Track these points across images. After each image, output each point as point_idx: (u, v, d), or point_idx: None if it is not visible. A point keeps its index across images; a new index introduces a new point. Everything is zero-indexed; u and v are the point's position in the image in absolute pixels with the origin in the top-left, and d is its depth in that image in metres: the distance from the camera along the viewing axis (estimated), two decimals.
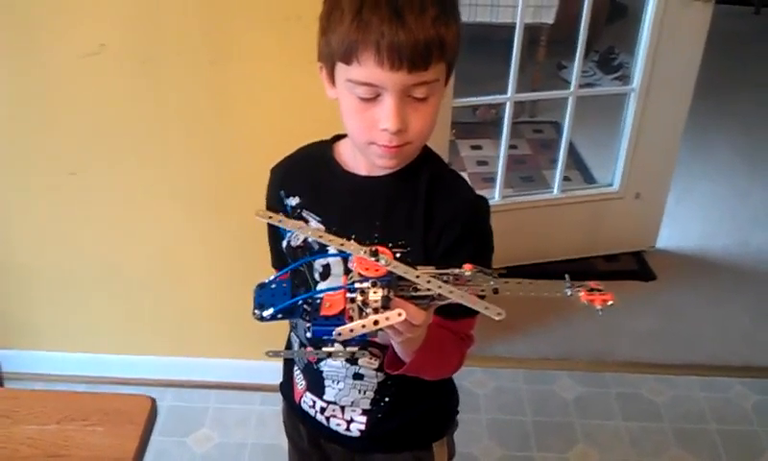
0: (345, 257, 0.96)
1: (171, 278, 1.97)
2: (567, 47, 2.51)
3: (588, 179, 3.00)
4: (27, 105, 1.75)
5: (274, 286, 0.88)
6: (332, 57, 0.95)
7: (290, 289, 0.87)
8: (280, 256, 1.12)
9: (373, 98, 0.94)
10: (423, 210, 1.02)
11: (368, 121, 0.95)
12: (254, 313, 0.85)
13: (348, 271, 0.95)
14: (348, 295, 0.81)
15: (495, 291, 0.81)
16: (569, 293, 0.81)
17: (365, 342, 1.05)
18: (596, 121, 2.89)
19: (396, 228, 1.02)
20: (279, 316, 0.85)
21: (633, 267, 2.64)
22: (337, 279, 1.03)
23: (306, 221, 1.07)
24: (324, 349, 0.91)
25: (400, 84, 0.91)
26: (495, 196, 2.48)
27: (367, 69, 0.90)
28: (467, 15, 3.23)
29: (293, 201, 1.09)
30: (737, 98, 3.86)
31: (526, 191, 2.72)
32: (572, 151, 2.90)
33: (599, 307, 0.80)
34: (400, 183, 1.03)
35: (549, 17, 3.32)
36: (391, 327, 0.81)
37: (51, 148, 1.79)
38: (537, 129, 3.54)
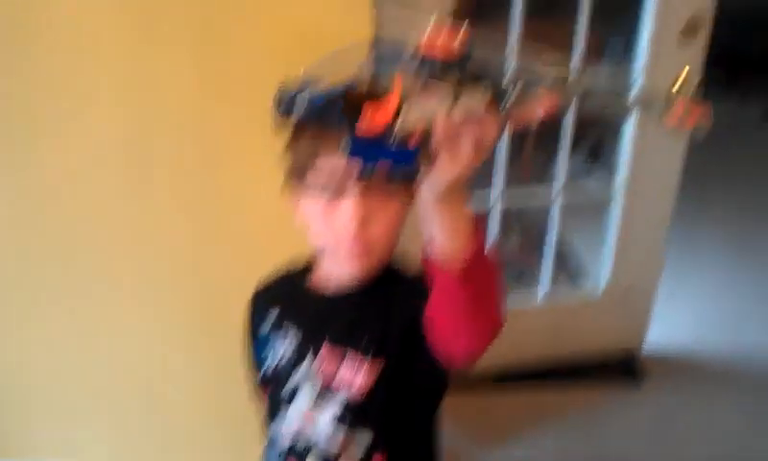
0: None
1: (155, 401, 1.95)
2: (556, 142, 2.54)
3: (577, 276, 3.00)
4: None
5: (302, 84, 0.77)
6: (298, 169, 1.01)
7: (323, 98, 0.75)
8: (262, 381, 1.17)
9: (337, 198, 0.98)
10: (385, 325, 1.03)
11: (331, 221, 0.99)
12: (278, 115, 0.74)
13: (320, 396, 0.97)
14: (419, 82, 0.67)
15: (582, 96, 0.72)
16: (664, 104, 0.72)
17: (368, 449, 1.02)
18: (585, 217, 2.91)
19: (363, 344, 1.04)
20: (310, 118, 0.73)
21: (621, 368, 2.61)
22: (305, 401, 1.04)
23: (287, 330, 1.12)
24: None
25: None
26: None
27: (330, 165, 0.96)
28: None
29: (274, 311, 1.13)
30: (724, 189, 3.90)
31: (515, 290, 2.72)
32: (562, 249, 2.90)
33: (692, 127, 0.72)
34: (365, 300, 1.05)
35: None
36: (463, 122, 0.67)
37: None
38: (525, 226, 3.56)
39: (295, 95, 0.74)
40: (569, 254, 3.12)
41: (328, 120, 0.71)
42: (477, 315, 0.84)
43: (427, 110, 0.66)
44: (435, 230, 0.78)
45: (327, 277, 1.09)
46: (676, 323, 2.84)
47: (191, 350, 1.88)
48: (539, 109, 0.68)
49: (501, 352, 2.47)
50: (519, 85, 0.68)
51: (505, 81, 0.68)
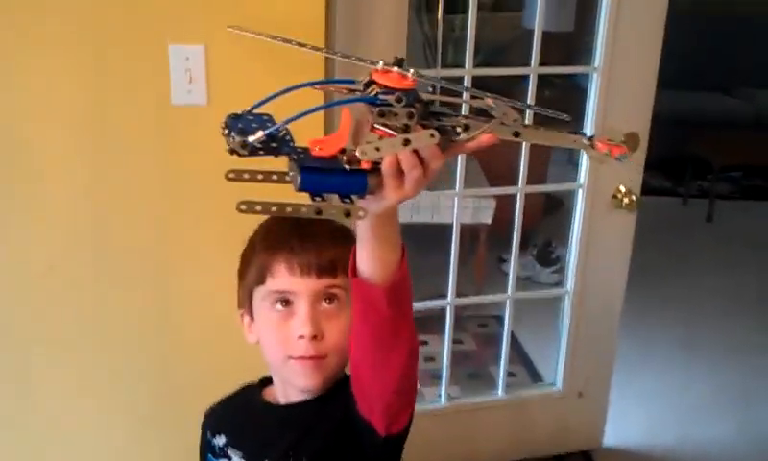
0: None
1: None
2: (507, 241, 2.61)
3: (534, 373, 3.03)
4: None
5: (251, 117, 0.74)
6: (250, 289, 1.04)
7: (281, 124, 0.72)
8: None
9: (289, 311, 1.01)
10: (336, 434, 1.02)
11: (284, 334, 1.01)
12: (233, 140, 0.69)
13: None
14: (374, 109, 0.70)
15: (517, 134, 0.76)
16: (587, 142, 0.79)
17: None
18: (538, 314, 2.96)
19: (313, 454, 1.03)
20: (262, 147, 0.70)
21: None
22: None
23: (231, 458, 1.10)
24: None
25: (312, 289, 0.99)
26: (441, 400, 2.49)
27: (280, 279, 0.99)
28: (408, 216, 3.36)
29: (220, 440, 1.13)
30: (671, 287, 4.00)
31: (472, 390, 2.73)
32: (516, 346, 2.95)
33: (617, 155, 0.80)
34: (318, 407, 1.05)
35: (487, 217, 3.47)
36: (412, 159, 0.71)
37: None
38: (481, 323, 3.60)
39: (247, 120, 0.73)
40: (525, 351, 3.16)
41: (278, 150, 0.72)
42: (398, 336, 0.88)
43: (375, 144, 0.70)
44: (371, 249, 0.82)
45: (283, 390, 1.09)
46: (630, 421, 2.87)
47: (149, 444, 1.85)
48: (480, 141, 0.74)
49: (460, 451, 2.49)
50: (466, 123, 0.74)
51: (451, 118, 0.74)
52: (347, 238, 1.02)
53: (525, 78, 2.19)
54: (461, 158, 2.14)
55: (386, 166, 0.71)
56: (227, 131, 0.71)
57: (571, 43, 4.14)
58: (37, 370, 1.76)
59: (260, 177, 0.76)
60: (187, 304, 1.74)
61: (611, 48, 2.11)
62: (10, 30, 1.51)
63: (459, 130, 0.74)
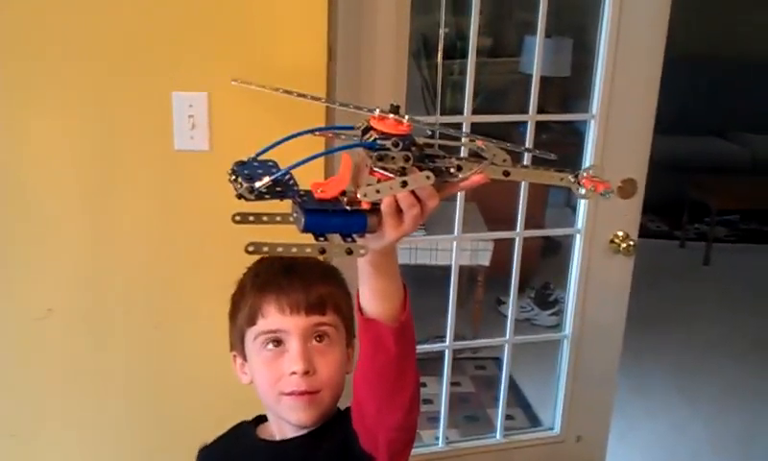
0: None
1: None
2: (505, 283, 2.62)
3: (532, 417, 3.02)
4: None
5: (257, 164, 0.78)
6: (241, 330, 1.07)
7: (286, 170, 0.76)
8: None
9: (280, 350, 1.03)
10: None
11: (276, 372, 1.03)
12: (240, 186, 0.73)
13: None
14: (372, 154, 0.74)
15: (506, 174, 0.79)
16: (573, 179, 0.82)
17: None
18: (536, 357, 2.96)
19: None
20: (267, 193, 0.74)
21: None
22: None
23: None
24: None
25: (302, 327, 1.01)
26: (439, 443, 2.48)
27: (270, 318, 1.02)
28: (407, 258, 3.37)
29: None
30: (670, 331, 4.00)
31: (470, 433, 2.72)
32: (515, 389, 2.94)
33: (602, 192, 0.82)
34: (313, 441, 1.06)
35: (485, 260, 3.49)
36: (410, 199, 0.75)
37: None
38: (479, 365, 3.59)
39: (253, 166, 0.77)
40: (523, 393, 3.15)
41: (283, 194, 0.76)
42: (404, 375, 0.92)
43: (376, 187, 0.74)
44: (374, 285, 0.86)
45: (278, 426, 1.10)
46: None
47: None
48: (472, 180, 0.78)
49: None
50: (459, 164, 0.78)
51: (444, 160, 0.78)
52: (334, 277, 1.06)
53: (523, 122, 2.22)
54: (459, 202, 2.16)
55: (385, 206, 0.75)
56: (233, 177, 0.75)
57: (567, 87, 4.19)
58: (32, 410, 1.76)
59: (265, 219, 0.79)
60: (189, 347, 1.74)
61: (607, 95, 2.14)
62: (14, 69, 1.53)
63: (452, 170, 0.78)
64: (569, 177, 0.83)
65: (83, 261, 1.66)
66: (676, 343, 3.90)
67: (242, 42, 1.55)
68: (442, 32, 3.51)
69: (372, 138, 0.75)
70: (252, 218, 0.79)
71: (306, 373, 1.02)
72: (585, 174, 0.83)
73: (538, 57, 2.12)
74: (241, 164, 0.77)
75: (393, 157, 0.74)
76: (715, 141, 5.71)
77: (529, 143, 2.18)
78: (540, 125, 2.20)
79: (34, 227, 1.62)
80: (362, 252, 0.77)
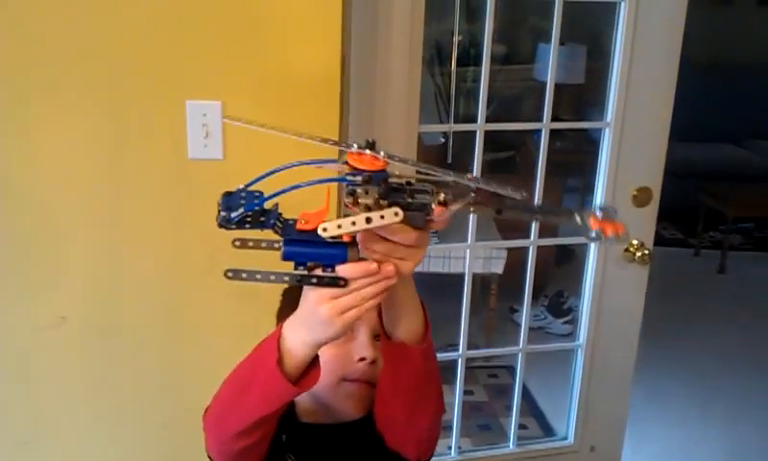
0: None
1: None
2: (519, 291, 2.60)
3: (545, 426, 3.00)
4: None
5: (243, 195, 0.80)
6: None
7: (263, 200, 0.79)
8: None
9: (349, 336, 1.04)
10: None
11: (342, 355, 1.04)
12: (220, 216, 0.77)
13: None
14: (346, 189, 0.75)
15: (499, 212, 0.79)
16: (579, 220, 0.79)
17: None
18: (550, 366, 2.94)
19: None
20: (249, 221, 0.77)
21: None
22: None
23: None
24: None
25: (372, 319, 0.99)
26: (452, 453, 2.47)
27: None
28: (420, 266, 3.35)
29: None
30: (685, 340, 3.97)
31: (483, 442, 2.70)
32: (528, 397, 2.92)
33: (610, 235, 0.78)
34: (356, 431, 1.08)
35: (499, 268, 3.47)
36: (380, 237, 0.77)
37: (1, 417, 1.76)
38: (492, 373, 3.58)
39: (238, 197, 0.79)
40: (536, 403, 3.14)
41: (265, 224, 0.78)
42: (432, 379, 0.95)
43: (337, 222, 0.75)
44: (394, 313, 0.89)
45: (325, 411, 1.10)
46: None
47: None
48: (445, 214, 0.78)
49: None
50: (444, 199, 0.77)
51: (425, 196, 0.78)
52: None
53: (538, 130, 2.21)
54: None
55: (359, 240, 0.78)
56: (219, 208, 0.78)
57: (581, 94, 4.17)
58: (43, 418, 1.76)
59: (264, 245, 0.83)
60: (203, 355, 1.73)
61: (622, 103, 2.12)
62: (29, 78, 1.54)
63: (433, 206, 0.78)
64: (576, 217, 0.80)
65: (96, 269, 1.67)
66: (691, 352, 3.86)
67: (256, 51, 1.55)
68: (456, 39, 3.52)
69: (344, 174, 0.77)
70: (251, 243, 0.82)
71: (373, 362, 1.04)
72: (593, 213, 0.79)
73: (552, 64, 2.11)
74: (228, 195, 0.79)
75: (365, 192, 0.75)
76: (730, 148, 5.67)
77: (544, 151, 2.17)
78: (553, 132, 2.19)
79: (47, 235, 1.62)
80: (341, 283, 0.79)
